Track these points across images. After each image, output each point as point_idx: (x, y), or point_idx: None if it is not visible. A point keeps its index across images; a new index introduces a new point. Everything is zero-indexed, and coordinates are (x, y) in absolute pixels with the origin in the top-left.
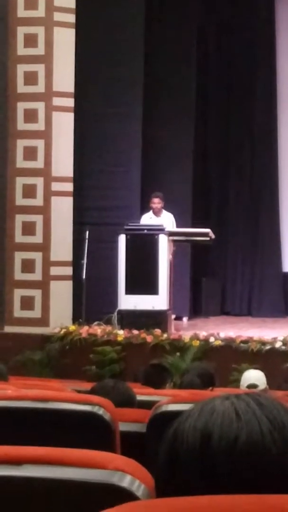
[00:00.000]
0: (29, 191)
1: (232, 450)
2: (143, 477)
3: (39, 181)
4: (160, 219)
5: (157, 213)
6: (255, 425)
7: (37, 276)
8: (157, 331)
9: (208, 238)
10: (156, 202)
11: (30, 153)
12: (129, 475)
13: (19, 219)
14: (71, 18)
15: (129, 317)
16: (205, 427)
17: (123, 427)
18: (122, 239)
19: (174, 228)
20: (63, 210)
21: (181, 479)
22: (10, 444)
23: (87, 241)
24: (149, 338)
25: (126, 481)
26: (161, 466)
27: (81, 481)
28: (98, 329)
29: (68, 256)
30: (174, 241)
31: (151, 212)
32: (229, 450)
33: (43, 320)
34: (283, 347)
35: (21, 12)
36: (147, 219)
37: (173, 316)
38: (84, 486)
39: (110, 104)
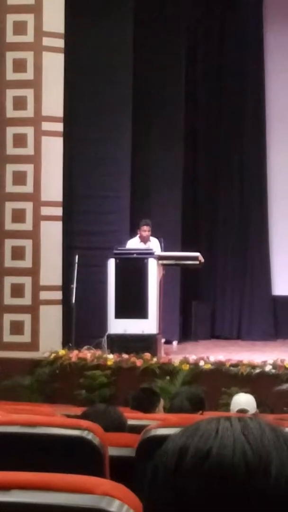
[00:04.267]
0: (18, 216)
1: (202, 465)
2: (131, 502)
3: (28, 206)
4: (148, 246)
5: (145, 240)
6: (228, 441)
7: (26, 300)
8: (147, 355)
9: (197, 262)
10: (147, 230)
11: (19, 177)
12: (117, 500)
13: (8, 243)
14: (60, 43)
15: (119, 341)
16: (183, 444)
17: (112, 451)
18: (111, 264)
19: (163, 252)
20: (52, 234)
21: (159, 499)
22: None
23: (76, 265)
24: (138, 362)
25: (114, 506)
26: (145, 490)
27: (70, 506)
28: (88, 354)
29: (58, 281)
30: (163, 265)
31: (137, 238)
32: (199, 465)
33: (33, 345)
34: (273, 371)
35: (10, 37)
36: (136, 243)
37: (163, 340)
38: (72, 511)
39: (99, 128)
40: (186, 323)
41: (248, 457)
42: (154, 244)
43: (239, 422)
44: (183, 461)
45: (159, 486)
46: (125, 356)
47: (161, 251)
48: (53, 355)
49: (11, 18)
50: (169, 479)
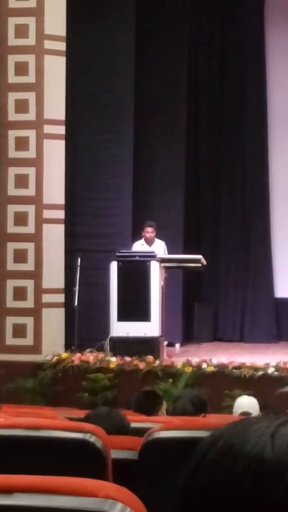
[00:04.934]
0: (20, 219)
1: (221, 459)
2: (134, 504)
3: (30, 209)
4: (152, 248)
5: (149, 242)
6: (253, 441)
7: (29, 303)
8: (150, 357)
9: (200, 265)
10: (150, 231)
11: (22, 180)
12: (120, 503)
13: (11, 246)
14: (62, 46)
15: (122, 344)
16: (215, 437)
17: (115, 454)
18: (113, 266)
19: (166, 255)
20: (54, 237)
21: (180, 495)
22: (2, 473)
23: (79, 268)
24: (141, 365)
25: (117, 509)
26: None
27: (73, 509)
28: (90, 356)
29: (60, 283)
30: (166, 267)
31: (142, 240)
32: (219, 459)
33: (35, 348)
34: (276, 373)
35: (12, 41)
36: (139, 246)
37: (165, 343)
38: None
39: (101, 131)
40: (188, 325)
41: (265, 460)
42: (158, 246)
43: (278, 424)
44: (209, 453)
45: (183, 479)
46: (127, 358)
47: (166, 254)
48: (55, 358)
49: (12, 21)
50: (192, 471)
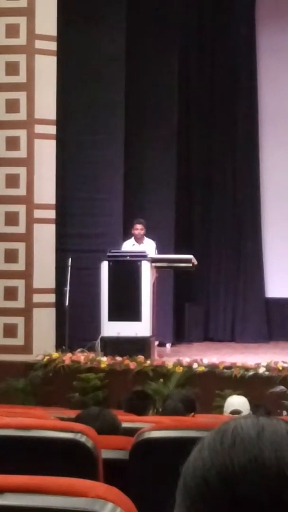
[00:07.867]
0: (11, 219)
1: (230, 448)
2: (124, 504)
3: (21, 209)
4: (142, 246)
5: (139, 240)
6: (246, 443)
7: (20, 303)
8: (140, 357)
9: (191, 265)
10: (139, 229)
11: (12, 180)
12: (110, 503)
13: (2, 246)
14: (52, 45)
15: (112, 344)
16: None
17: (106, 454)
18: (104, 266)
19: (157, 255)
20: (45, 237)
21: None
22: None
23: (69, 268)
24: (132, 365)
25: (107, 509)
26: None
27: (63, 509)
28: (81, 356)
29: (51, 284)
30: (156, 267)
31: (133, 239)
32: (228, 448)
33: (26, 348)
34: (267, 373)
35: (2, 40)
36: (129, 246)
37: (156, 343)
38: None
39: (91, 131)
40: (179, 325)
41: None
42: (148, 245)
43: (268, 421)
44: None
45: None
46: (118, 358)
47: (157, 253)
48: (46, 358)
49: (3, 21)
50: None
